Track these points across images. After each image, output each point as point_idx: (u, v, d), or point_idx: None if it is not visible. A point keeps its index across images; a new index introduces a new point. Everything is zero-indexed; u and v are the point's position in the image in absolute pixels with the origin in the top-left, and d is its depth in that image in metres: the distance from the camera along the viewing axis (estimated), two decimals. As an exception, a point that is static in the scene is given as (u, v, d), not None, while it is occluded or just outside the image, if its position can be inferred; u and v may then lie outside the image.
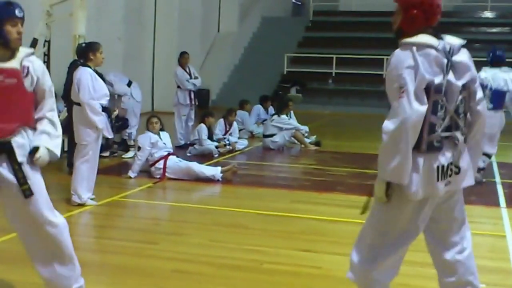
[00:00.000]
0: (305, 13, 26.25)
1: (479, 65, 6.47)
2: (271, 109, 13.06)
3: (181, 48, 12.81)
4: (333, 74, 20.88)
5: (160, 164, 7.98)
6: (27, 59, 3.40)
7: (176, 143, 10.48)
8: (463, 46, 3.08)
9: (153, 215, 6.55)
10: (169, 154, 8.10)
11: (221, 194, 7.65)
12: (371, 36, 21.04)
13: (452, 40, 3.04)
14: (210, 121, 10.16)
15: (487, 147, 7.75)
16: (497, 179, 8.42)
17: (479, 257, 3.31)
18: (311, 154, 10.92)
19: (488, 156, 7.99)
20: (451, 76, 2.97)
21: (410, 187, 2.92)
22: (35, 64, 3.43)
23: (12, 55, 3.36)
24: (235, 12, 22.29)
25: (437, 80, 2.91)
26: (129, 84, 10.18)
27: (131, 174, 7.96)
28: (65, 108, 7.97)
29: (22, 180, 3.28)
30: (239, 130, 11.51)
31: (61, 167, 8.03)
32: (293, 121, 11.50)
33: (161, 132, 8.22)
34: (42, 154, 3.35)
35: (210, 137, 10.11)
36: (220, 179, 7.95)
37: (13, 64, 3.33)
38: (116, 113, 9.53)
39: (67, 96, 7.28)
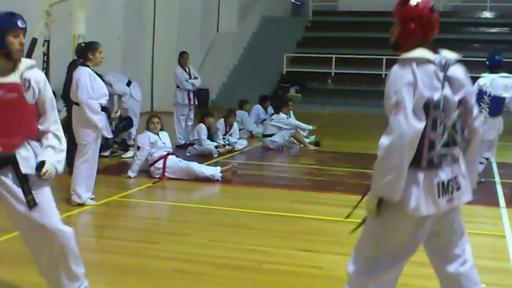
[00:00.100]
0: (305, 13, 26.27)
1: (477, 66, 6.49)
2: (271, 109, 13.06)
3: (180, 48, 12.81)
4: (333, 74, 20.89)
5: (159, 164, 7.98)
6: (28, 72, 3.38)
7: (176, 143, 10.48)
8: (459, 61, 3.07)
9: (153, 215, 6.55)
10: (168, 154, 8.10)
11: (221, 194, 7.65)
12: (370, 36, 21.05)
13: (448, 55, 3.02)
14: (209, 121, 10.17)
15: (487, 153, 7.83)
16: (497, 179, 8.42)
17: (479, 257, 3.32)
18: (310, 154, 10.93)
19: (486, 159, 8.02)
20: (448, 91, 2.94)
21: (409, 203, 2.90)
22: (37, 76, 3.42)
23: (13, 67, 3.35)
24: (234, 12, 22.30)
25: (436, 96, 2.89)
26: (129, 84, 10.18)
27: (130, 173, 7.96)
28: (65, 108, 7.96)
29: (26, 191, 3.30)
30: (239, 130, 11.51)
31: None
32: (292, 120, 11.50)
33: (160, 132, 8.22)
34: (48, 168, 3.34)
35: (210, 137, 10.11)
36: (220, 179, 7.95)
37: (13, 78, 3.32)
38: (119, 113, 9.56)
39: (66, 96, 7.28)
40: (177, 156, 8.30)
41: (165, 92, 16.38)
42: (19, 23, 3.34)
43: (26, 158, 3.34)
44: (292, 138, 11.40)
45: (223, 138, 10.61)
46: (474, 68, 3.31)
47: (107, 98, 6.63)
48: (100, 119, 6.35)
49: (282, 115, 11.34)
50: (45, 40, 9.29)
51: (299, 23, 24.69)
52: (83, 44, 7.24)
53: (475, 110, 3.11)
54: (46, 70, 9.26)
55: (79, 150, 6.42)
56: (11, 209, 3.37)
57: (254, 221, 6.07)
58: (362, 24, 22.62)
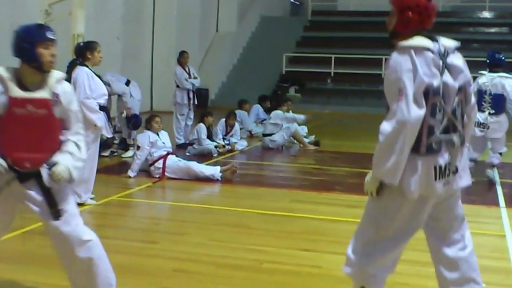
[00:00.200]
0: (304, 13, 26.27)
1: (477, 66, 6.49)
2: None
3: (179, 48, 12.81)
4: (332, 74, 20.89)
5: (159, 164, 7.97)
6: (58, 86, 3.36)
7: (174, 142, 10.47)
8: (458, 48, 3.09)
9: (153, 215, 6.55)
10: (168, 154, 8.09)
11: (220, 193, 7.65)
12: (369, 36, 21.05)
13: (446, 42, 3.05)
14: (209, 121, 10.17)
15: (499, 147, 7.98)
16: (497, 179, 8.42)
17: (479, 256, 3.31)
18: (310, 153, 10.93)
19: (500, 154, 8.11)
20: (448, 78, 2.98)
21: (409, 187, 2.95)
22: (66, 90, 3.40)
23: (43, 80, 3.33)
24: (233, 12, 22.30)
25: (436, 82, 2.92)
26: (127, 83, 10.17)
27: (130, 173, 7.96)
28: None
29: (51, 203, 3.31)
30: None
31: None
32: (287, 114, 11.43)
33: (160, 132, 8.22)
34: (59, 169, 3.28)
35: (209, 136, 10.11)
36: (220, 179, 7.94)
37: (44, 93, 3.30)
38: (124, 114, 9.57)
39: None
40: (176, 156, 8.30)
41: (164, 91, 16.37)
42: (49, 35, 3.32)
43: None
44: (291, 138, 11.40)
45: (223, 139, 10.61)
46: (473, 68, 3.32)
47: (106, 97, 6.63)
48: (99, 118, 6.35)
49: (278, 111, 11.35)
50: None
51: (298, 23, 24.69)
52: (81, 44, 7.24)
53: (473, 98, 3.16)
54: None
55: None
56: (41, 219, 3.41)
57: (254, 221, 6.06)
58: (361, 24, 22.62)
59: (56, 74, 3.39)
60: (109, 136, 7.40)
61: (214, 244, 5.18)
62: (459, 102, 3.03)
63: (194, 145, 10.03)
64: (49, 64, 3.32)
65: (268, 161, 10.22)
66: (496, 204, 7.01)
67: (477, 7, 24.00)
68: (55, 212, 3.32)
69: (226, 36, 21.92)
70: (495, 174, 8.20)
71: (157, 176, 7.93)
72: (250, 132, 12.69)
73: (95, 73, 6.51)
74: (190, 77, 10.99)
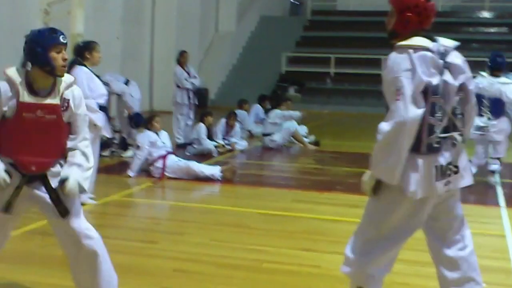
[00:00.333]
0: (303, 13, 26.29)
1: (476, 66, 6.49)
2: (271, 109, 13.06)
3: (179, 48, 12.81)
4: (332, 74, 20.91)
5: (159, 163, 7.97)
6: (68, 91, 3.35)
7: (175, 142, 10.47)
8: (457, 48, 3.09)
9: (153, 214, 6.54)
10: (168, 153, 8.09)
11: (221, 193, 7.65)
12: (369, 36, 21.07)
13: (446, 42, 3.06)
14: (209, 121, 10.17)
15: (500, 150, 7.92)
16: (497, 179, 8.42)
17: (479, 257, 3.31)
18: (310, 153, 10.93)
19: (499, 159, 8.09)
20: (448, 77, 2.98)
21: (409, 187, 2.94)
22: (76, 95, 3.40)
23: (53, 85, 3.32)
24: (233, 12, 22.32)
25: (435, 81, 2.93)
26: (126, 83, 10.16)
27: (130, 173, 7.95)
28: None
29: (57, 201, 3.31)
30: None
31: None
32: (284, 112, 11.44)
33: (159, 132, 8.21)
34: (71, 185, 3.29)
35: (209, 136, 10.11)
36: (220, 179, 7.94)
37: (53, 99, 3.30)
38: (126, 113, 9.58)
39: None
40: (176, 156, 8.30)
41: (164, 91, 16.38)
42: (61, 39, 3.31)
43: (55, 173, 3.34)
44: (291, 138, 11.41)
45: (224, 139, 10.60)
46: (473, 68, 3.32)
47: (106, 97, 6.62)
48: (98, 117, 6.33)
49: (277, 110, 11.35)
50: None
51: (298, 23, 24.71)
52: (81, 43, 7.24)
53: (473, 97, 3.15)
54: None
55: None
56: (47, 217, 3.43)
57: (254, 221, 6.06)
58: (361, 23, 22.64)
59: (67, 79, 3.38)
60: (109, 137, 7.40)
61: (214, 244, 5.18)
62: (459, 101, 3.04)
63: (194, 145, 10.03)
64: (62, 69, 3.30)
65: (268, 161, 10.22)
66: (496, 204, 7.01)
67: (476, 7, 24.03)
68: (63, 210, 3.32)
69: (225, 36, 21.93)
70: (496, 178, 8.17)
71: (157, 176, 7.93)
72: (250, 132, 12.69)
73: (94, 73, 6.49)
74: (190, 77, 10.99)
